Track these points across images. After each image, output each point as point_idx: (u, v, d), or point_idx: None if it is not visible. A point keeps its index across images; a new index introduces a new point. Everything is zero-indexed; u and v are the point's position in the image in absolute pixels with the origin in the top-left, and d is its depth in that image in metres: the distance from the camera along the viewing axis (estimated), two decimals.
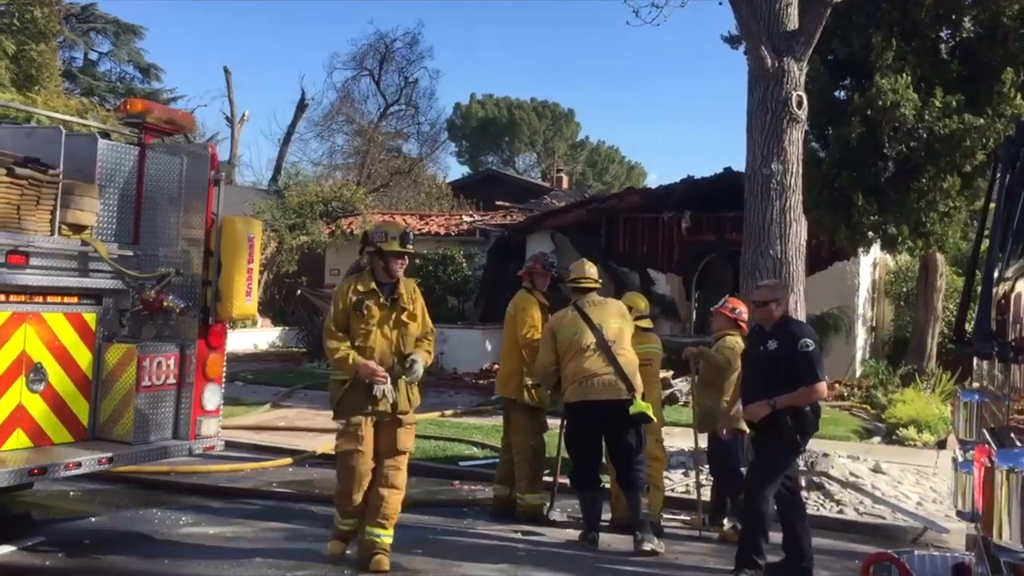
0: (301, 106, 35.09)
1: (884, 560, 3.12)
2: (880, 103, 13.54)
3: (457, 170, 53.25)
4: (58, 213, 6.16)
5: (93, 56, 37.87)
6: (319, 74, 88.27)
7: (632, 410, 6.74)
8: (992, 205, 2.53)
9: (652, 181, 58.26)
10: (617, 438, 6.92)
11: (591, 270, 7.36)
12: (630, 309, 7.48)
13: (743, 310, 7.77)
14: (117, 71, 38.80)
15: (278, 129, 50.43)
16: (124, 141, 6.97)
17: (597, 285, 7.29)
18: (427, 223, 24.05)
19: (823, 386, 6.26)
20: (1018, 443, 1.82)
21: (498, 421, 12.56)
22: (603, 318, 6.98)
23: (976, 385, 2.85)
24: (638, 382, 6.91)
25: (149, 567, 5.95)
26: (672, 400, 13.89)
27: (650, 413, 6.89)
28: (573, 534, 7.14)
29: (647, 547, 6.71)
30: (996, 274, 2.11)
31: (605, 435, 6.97)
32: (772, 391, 6.10)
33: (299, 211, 23.34)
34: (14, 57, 21.81)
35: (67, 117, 10.00)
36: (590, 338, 6.87)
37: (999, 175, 2.40)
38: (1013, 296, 2.03)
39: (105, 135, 6.91)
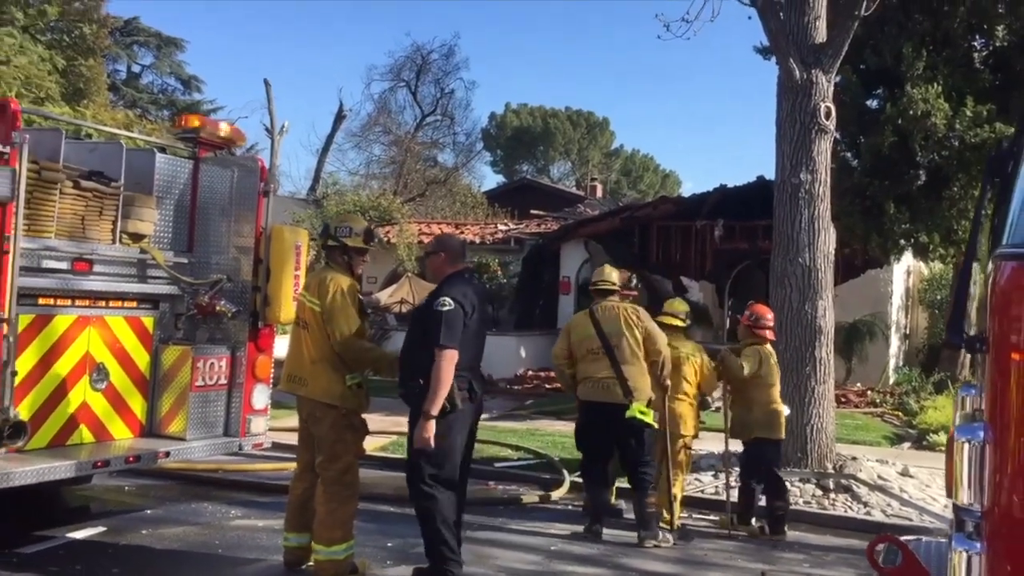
0: (339, 117, 35.75)
1: (889, 543, 3.34)
2: (911, 112, 13.67)
3: (492, 179, 53.72)
4: (119, 223, 6.54)
5: (136, 69, 38.87)
6: (357, 86, 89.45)
7: (627, 414, 6.98)
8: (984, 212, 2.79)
9: (687, 189, 58.20)
10: (618, 440, 7.21)
11: (610, 274, 7.62)
12: (667, 315, 7.76)
13: (766, 318, 7.96)
14: (159, 83, 39.81)
15: (317, 140, 51.31)
16: (178, 155, 7.36)
17: (613, 288, 7.50)
18: (462, 231, 24.39)
19: (448, 353, 5.21)
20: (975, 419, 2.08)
21: (533, 425, 12.91)
22: (610, 323, 7.22)
23: (970, 378, 3.10)
24: (642, 386, 7.09)
25: (204, 554, 6.33)
26: (704, 406, 14.06)
27: (649, 419, 7.07)
28: (609, 532, 7.37)
29: (648, 544, 7.04)
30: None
31: (609, 436, 7.24)
32: (416, 354, 5.45)
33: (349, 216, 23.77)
34: (64, 72, 22.55)
35: (130, 134, 10.47)
36: (596, 342, 7.18)
37: (984, 185, 2.68)
38: (984, 297, 2.30)
39: (162, 149, 7.30)
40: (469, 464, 5.75)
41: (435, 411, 5.19)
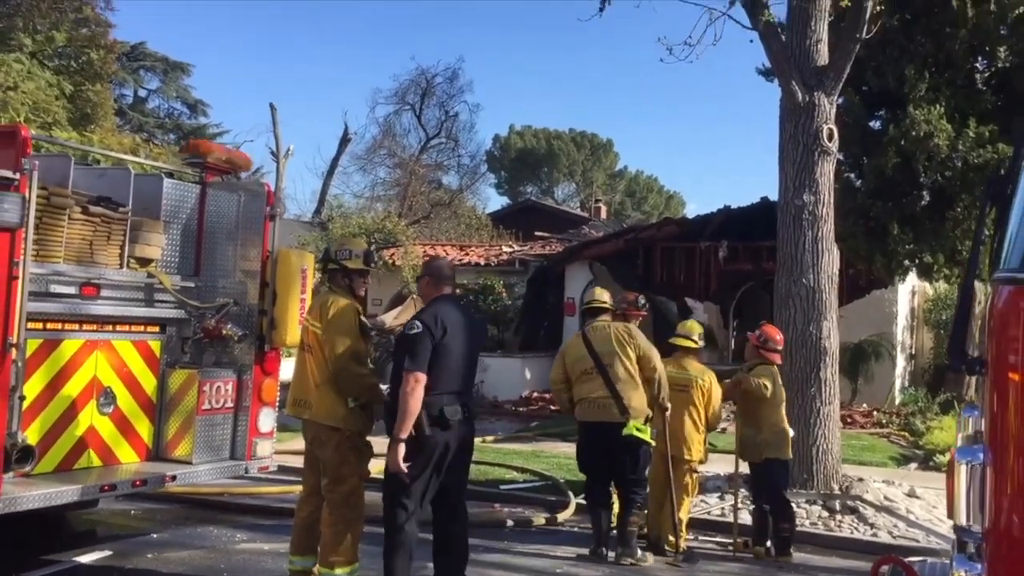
0: (344, 140, 35.92)
1: (893, 564, 3.35)
2: (914, 134, 13.70)
3: (496, 201, 53.87)
4: (127, 248, 6.60)
5: (142, 93, 39.11)
6: (362, 109, 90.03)
7: (624, 431, 6.97)
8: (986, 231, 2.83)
9: (691, 210, 58.33)
10: (613, 459, 7.17)
11: (601, 294, 7.67)
12: (680, 336, 7.76)
13: (775, 340, 7.97)
14: (165, 107, 40.04)
15: (322, 162, 51.44)
16: (186, 180, 7.43)
17: (604, 307, 7.51)
18: (467, 253, 24.46)
19: (413, 376, 5.18)
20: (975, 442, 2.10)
21: (537, 447, 12.90)
22: (602, 343, 7.23)
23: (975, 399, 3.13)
24: (637, 404, 7.07)
25: None
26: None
27: (646, 436, 7.06)
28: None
29: (625, 562, 7.05)
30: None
31: (608, 456, 7.21)
32: (396, 377, 5.43)
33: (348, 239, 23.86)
34: (71, 97, 22.73)
35: (138, 159, 10.55)
36: (589, 362, 7.20)
37: (984, 209, 2.71)
38: (983, 316, 2.33)
39: (169, 174, 7.37)
40: (458, 491, 5.60)
41: (402, 435, 5.14)
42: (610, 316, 7.49)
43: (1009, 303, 2.07)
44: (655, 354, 7.29)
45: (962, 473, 1.99)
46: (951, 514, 2.11)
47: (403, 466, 5.14)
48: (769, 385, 7.59)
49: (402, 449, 5.15)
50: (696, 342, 7.87)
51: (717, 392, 7.75)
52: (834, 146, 9.80)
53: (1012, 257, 2.09)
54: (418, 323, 5.34)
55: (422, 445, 5.25)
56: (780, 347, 8.04)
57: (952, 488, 2.06)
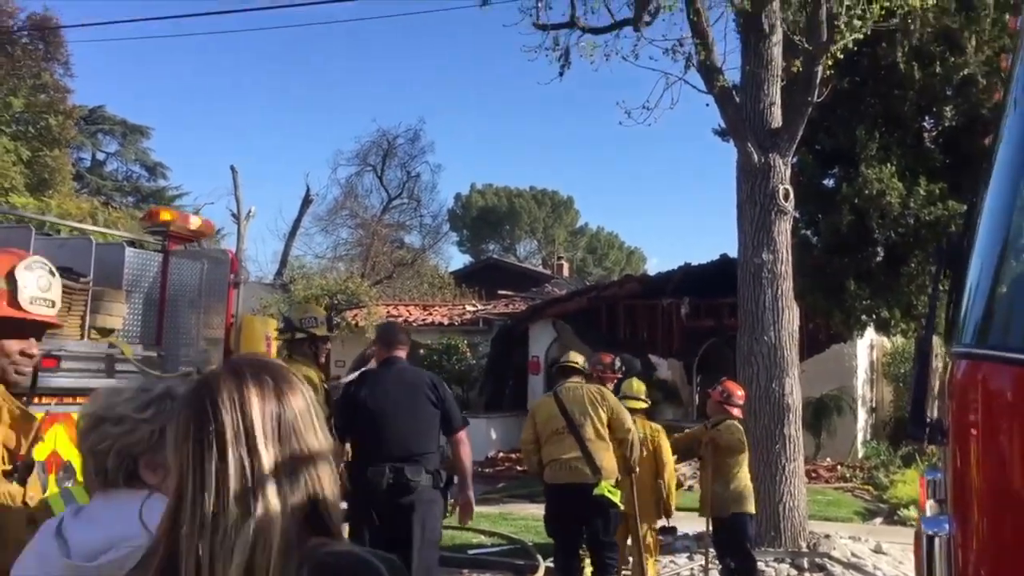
0: (306, 201, 35.94)
1: None
2: (867, 192, 14.06)
3: (459, 259, 54.07)
4: (88, 318, 6.52)
5: (100, 156, 38.97)
6: (323, 170, 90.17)
7: (595, 491, 6.89)
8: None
9: (652, 266, 58.84)
10: (585, 522, 7.07)
11: (575, 356, 7.68)
12: (629, 398, 7.79)
13: (736, 395, 8.04)
14: (124, 170, 39.87)
15: (283, 224, 51.30)
16: (148, 248, 7.39)
17: (576, 367, 7.50)
18: (431, 313, 24.46)
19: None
20: (940, 512, 2.15)
21: (505, 509, 12.80)
22: (574, 403, 7.19)
23: (936, 453, 3.19)
24: (608, 465, 7.02)
25: None
26: (676, 485, 14.06)
27: (616, 499, 6.99)
28: None
29: None
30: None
31: (578, 519, 7.11)
32: None
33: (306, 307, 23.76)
34: (28, 163, 22.61)
35: (101, 229, 10.48)
36: (560, 421, 7.15)
37: (936, 272, 2.80)
38: (944, 380, 2.40)
39: (131, 243, 7.33)
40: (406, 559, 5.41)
41: None
42: (581, 378, 7.50)
43: (967, 375, 2.13)
44: (627, 416, 7.29)
45: (928, 544, 2.03)
46: None
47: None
48: (744, 440, 7.68)
49: None
50: (645, 402, 7.94)
51: (668, 451, 7.82)
52: (790, 205, 10.02)
53: (967, 332, 2.16)
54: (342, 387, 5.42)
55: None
56: (742, 402, 8.12)
57: (919, 558, 2.09)
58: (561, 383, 7.46)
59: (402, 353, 5.88)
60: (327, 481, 1.43)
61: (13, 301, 2.70)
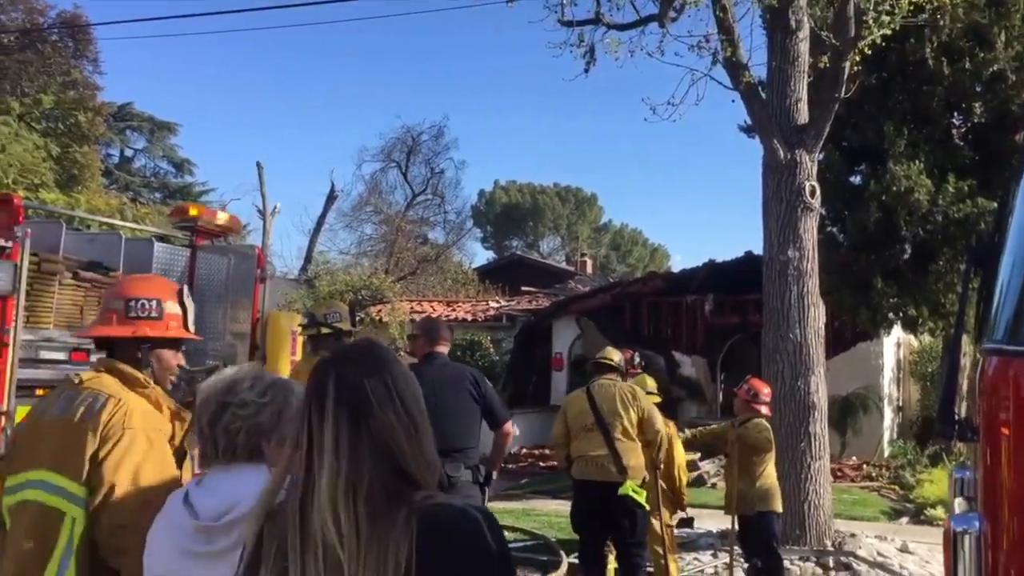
0: (331, 198, 36.08)
1: None
2: (895, 189, 13.94)
3: (482, 255, 54.07)
4: None
5: (128, 153, 39.30)
6: (348, 167, 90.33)
7: (620, 491, 6.85)
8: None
9: (676, 263, 58.64)
10: (610, 520, 7.05)
11: (611, 353, 7.64)
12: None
13: (763, 393, 7.99)
14: (151, 167, 40.18)
15: (308, 220, 51.56)
16: (176, 243, 7.47)
17: (611, 364, 7.47)
18: (454, 309, 24.51)
19: None
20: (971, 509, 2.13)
21: (528, 505, 12.82)
22: (606, 400, 7.17)
23: (963, 451, 3.17)
24: (635, 464, 7.01)
25: None
26: (700, 482, 14.02)
27: (641, 499, 6.95)
28: None
29: None
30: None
31: (604, 516, 7.10)
32: None
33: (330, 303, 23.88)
34: (58, 159, 22.84)
35: (130, 224, 10.59)
36: (590, 417, 7.13)
37: (967, 270, 2.78)
38: (974, 379, 2.38)
39: (160, 238, 7.41)
40: None
41: None
42: (616, 375, 7.47)
43: (998, 372, 2.12)
44: (658, 417, 7.27)
45: (959, 542, 2.02)
46: None
47: None
48: (771, 439, 7.65)
49: None
50: (658, 396, 7.91)
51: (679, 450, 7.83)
52: (816, 202, 9.95)
53: (998, 329, 2.15)
54: None
55: None
56: (769, 400, 8.07)
57: (949, 557, 2.08)
58: (595, 379, 7.42)
59: (444, 349, 5.92)
60: (426, 445, 1.69)
61: (185, 323, 3.25)
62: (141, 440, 2.83)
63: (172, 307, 3.21)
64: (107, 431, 2.81)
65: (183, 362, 3.25)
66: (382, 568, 1.54)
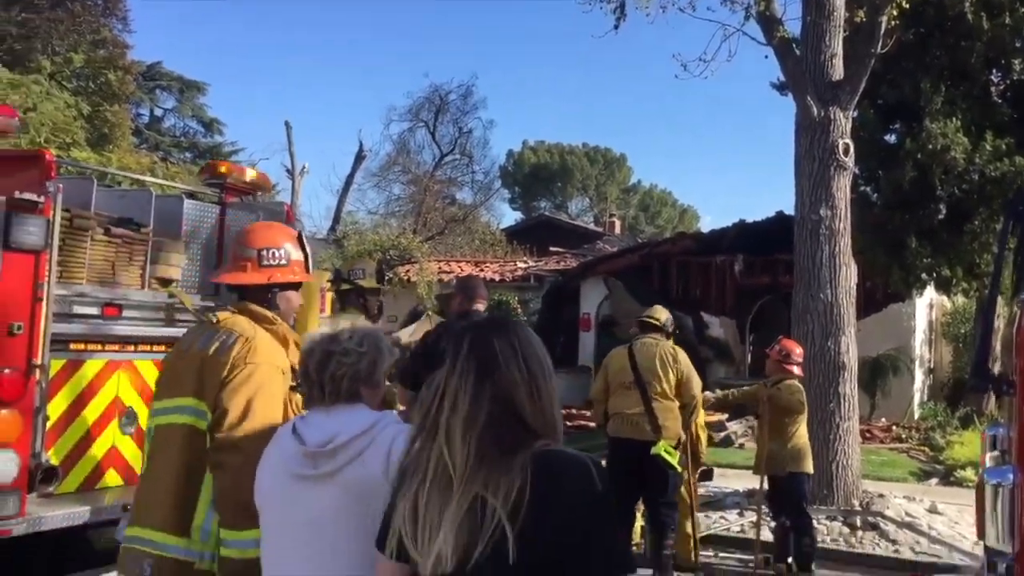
0: (359, 157, 36.08)
1: None
2: (931, 147, 13.70)
3: (510, 216, 53.93)
4: (148, 268, 6.64)
5: (158, 112, 39.46)
6: (376, 126, 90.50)
7: (652, 450, 6.86)
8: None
9: (705, 224, 58.05)
10: (642, 479, 7.06)
11: (659, 312, 7.57)
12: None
13: (795, 353, 7.92)
14: (181, 126, 40.35)
15: (336, 180, 51.75)
16: (205, 200, 7.49)
17: (656, 324, 7.42)
18: (482, 269, 24.50)
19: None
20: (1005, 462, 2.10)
21: None
22: (646, 359, 7.16)
23: (996, 413, 3.12)
24: (670, 425, 7.00)
25: None
26: (728, 442, 14.03)
27: (674, 461, 6.94)
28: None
29: None
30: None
31: (636, 475, 7.10)
32: None
33: (357, 260, 23.96)
34: (89, 118, 22.96)
35: (159, 180, 10.64)
36: (629, 376, 7.13)
37: (1006, 226, 2.72)
38: (1009, 336, 2.33)
39: (190, 195, 7.43)
40: None
41: None
42: (661, 335, 7.42)
43: None
44: (696, 381, 7.24)
45: (992, 495, 1.98)
46: (981, 535, 2.11)
47: None
48: (804, 400, 7.62)
49: None
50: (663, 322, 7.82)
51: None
52: (850, 160, 9.80)
53: None
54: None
55: None
56: (800, 360, 8.01)
57: (981, 509, 2.05)
58: (639, 337, 7.40)
59: (481, 306, 5.93)
60: (546, 402, 1.94)
61: (307, 267, 3.67)
62: (258, 375, 3.17)
63: (296, 254, 3.61)
64: (234, 363, 3.20)
65: (302, 300, 3.73)
66: (495, 489, 1.78)
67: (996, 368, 2.60)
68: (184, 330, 6.85)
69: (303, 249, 3.65)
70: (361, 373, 2.65)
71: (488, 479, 1.79)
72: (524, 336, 1.99)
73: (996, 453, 2.33)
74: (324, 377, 2.63)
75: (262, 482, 2.66)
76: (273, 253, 3.54)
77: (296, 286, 3.64)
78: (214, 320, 3.41)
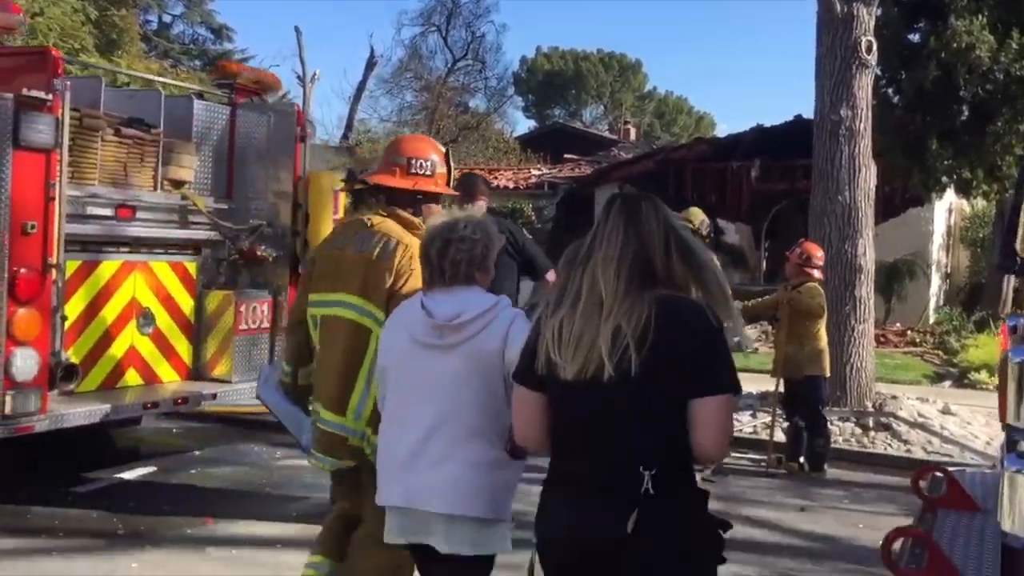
0: (370, 64, 35.42)
1: (934, 473, 3.34)
2: (955, 46, 13.35)
3: (524, 124, 53.27)
4: (159, 170, 6.60)
5: (167, 19, 38.78)
6: (388, 31, 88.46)
7: None
8: None
9: (722, 131, 56.91)
10: None
11: (693, 213, 7.44)
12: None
13: (816, 256, 7.84)
14: (190, 33, 39.68)
15: (348, 87, 51.10)
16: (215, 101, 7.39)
17: (689, 227, 7.29)
18: (496, 177, 24.31)
19: None
20: None
21: None
22: None
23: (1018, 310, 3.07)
24: None
25: (253, 492, 6.51)
26: (741, 347, 14.08)
27: None
28: None
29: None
30: None
31: None
32: None
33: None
34: (96, 22, 22.60)
35: (167, 79, 10.49)
36: None
37: None
38: None
39: (199, 96, 7.33)
40: None
41: None
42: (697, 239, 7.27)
43: None
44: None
45: (1015, 372, 1.96)
46: (1003, 416, 2.09)
47: None
48: (824, 304, 7.58)
49: None
50: (703, 234, 7.66)
51: None
52: (872, 59, 9.56)
53: None
54: None
55: None
56: (821, 263, 7.95)
57: (1005, 389, 2.03)
58: None
59: (483, 203, 5.88)
60: (675, 260, 2.28)
61: (448, 182, 3.91)
62: (417, 277, 3.31)
63: (442, 168, 3.85)
64: (399, 270, 3.49)
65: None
66: (628, 316, 2.16)
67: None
68: (198, 233, 6.93)
69: (448, 164, 3.88)
70: (476, 258, 2.93)
71: (631, 306, 2.16)
72: (663, 207, 2.35)
73: (1019, 335, 2.30)
74: (445, 263, 2.89)
75: (390, 347, 3.01)
76: (421, 163, 3.77)
77: (437, 198, 3.86)
78: (368, 223, 3.64)
